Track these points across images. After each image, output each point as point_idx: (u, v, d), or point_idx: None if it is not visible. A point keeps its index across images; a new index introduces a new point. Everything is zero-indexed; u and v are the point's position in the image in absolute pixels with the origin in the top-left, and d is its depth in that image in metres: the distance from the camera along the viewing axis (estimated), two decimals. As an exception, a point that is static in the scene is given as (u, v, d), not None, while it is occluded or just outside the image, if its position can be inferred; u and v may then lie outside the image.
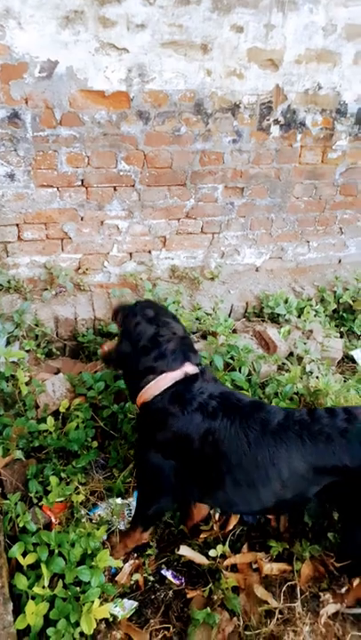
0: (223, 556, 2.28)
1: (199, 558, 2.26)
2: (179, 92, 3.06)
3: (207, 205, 3.56)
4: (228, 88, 3.14)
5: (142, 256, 3.62)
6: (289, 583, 2.21)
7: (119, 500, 2.39)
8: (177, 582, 2.21)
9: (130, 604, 2.10)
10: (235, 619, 2.09)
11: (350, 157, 3.72)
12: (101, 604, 1.92)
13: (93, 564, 2.01)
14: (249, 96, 3.21)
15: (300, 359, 3.15)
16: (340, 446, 1.83)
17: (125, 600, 2.11)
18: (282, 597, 2.16)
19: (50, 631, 1.84)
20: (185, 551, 2.27)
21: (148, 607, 2.14)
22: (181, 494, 2.11)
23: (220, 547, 2.27)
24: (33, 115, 2.87)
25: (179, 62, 2.96)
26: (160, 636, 2.04)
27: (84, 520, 2.28)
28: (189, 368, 2.03)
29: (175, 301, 3.37)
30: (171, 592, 2.18)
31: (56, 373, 2.97)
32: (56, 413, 2.67)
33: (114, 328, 3.20)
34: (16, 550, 2.01)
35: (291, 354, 3.22)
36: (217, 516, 2.42)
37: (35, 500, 2.30)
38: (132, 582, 2.20)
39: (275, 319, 3.56)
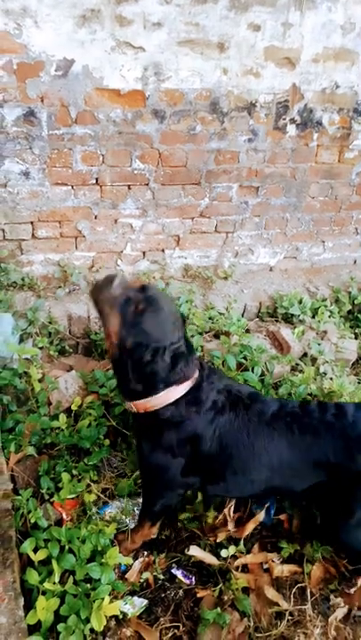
0: (234, 556, 2.27)
1: (209, 558, 2.25)
2: (194, 91, 3.05)
3: (221, 204, 3.55)
4: (245, 87, 3.13)
5: (156, 255, 3.63)
6: (299, 585, 2.20)
7: (129, 500, 2.40)
8: (187, 581, 2.20)
9: (140, 602, 2.10)
10: (245, 619, 2.08)
11: (367, 157, 3.69)
12: (111, 601, 1.93)
13: (103, 561, 2.01)
14: (265, 95, 3.20)
15: (313, 360, 3.12)
16: (325, 440, 1.91)
17: (136, 598, 2.11)
18: (292, 599, 2.15)
19: (60, 627, 1.84)
20: (195, 551, 2.26)
21: (158, 605, 2.13)
22: (185, 486, 2.13)
23: (232, 547, 2.25)
24: (49, 113, 2.89)
25: (195, 61, 2.95)
26: (170, 635, 2.04)
27: (94, 517, 2.29)
28: (195, 373, 1.98)
29: (188, 300, 3.36)
30: (181, 591, 2.18)
31: (69, 371, 2.98)
32: (68, 410, 2.68)
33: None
34: (27, 546, 2.02)
35: (305, 354, 3.20)
36: (232, 514, 2.40)
37: (46, 497, 2.31)
38: (142, 580, 2.20)
39: (289, 319, 3.54)
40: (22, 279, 3.34)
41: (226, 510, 2.41)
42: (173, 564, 2.26)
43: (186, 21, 2.83)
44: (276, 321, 3.56)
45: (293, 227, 3.84)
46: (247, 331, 3.39)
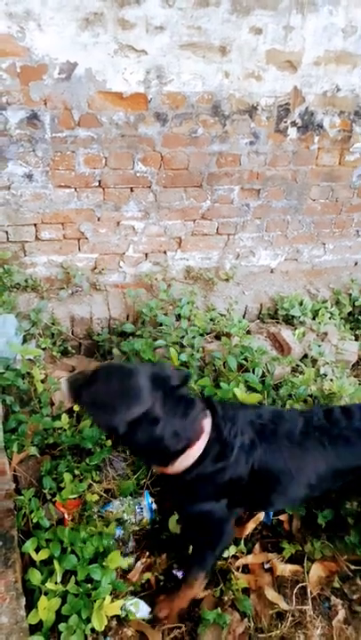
0: (235, 557, 2.28)
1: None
2: (196, 94, 3.07)
3: (223, 207, 3.56)
4: (246, 90, 3.14)
5: (158, 257, 3.64)
6: (300, 585, 2.21)
7: (131, 499, 2.41)
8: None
9: (144, 610, 2.09)
10: (245, 620, 2.09)
11: (368, 160, 3.70)
12: (113, 600, 1.94)
13: (105, 563, 2.02)
14: (267, 98, 3.21)
15: (314, 361, 3.13)
16: (358, 446, 1.94)
17: (142, 603, 2.10)
18: (294, 599, 2.16)
19: (61, 627, 1.86)
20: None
21: (159, 606, 2.14)
22: (233, 517, 2.05)
23: (233, 547, 2.26)
24: (52, 116, 2.91)
25: (197, 64, 2.97)
26: (172, 636, 2.05)
27: (95, 518, 2.29)
28: (206, 422, 1.83)
29: (189, 302, 3.38)
30: (181, 592, 2.19)
31: (71, 371, 3.00)
32: (71, 411, 2.69)
33: (128, 327, 3.23)
34: (29, 546, 2.04)
35: (305, 356, 3.21)
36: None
37: (48, 497, 2.32)
38: (144, 581, 2.20)
39: (289, 321, 3.55)
40: (25, 281, 3.36)
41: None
42: (174, 565, 2.27)
43: (188, 25, 2.84)
44: (277, 322, 3.57)
45: (294, 229, 3.85)
46: (248, 332, 3.40)
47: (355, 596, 2.19)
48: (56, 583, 1.95)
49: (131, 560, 2.22)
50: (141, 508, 2.40)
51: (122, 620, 2.04)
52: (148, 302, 3.30)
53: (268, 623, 2.09)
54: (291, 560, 2.29)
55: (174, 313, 3.33)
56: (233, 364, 2.84)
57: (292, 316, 3.51)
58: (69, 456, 2.51)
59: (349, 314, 3.80)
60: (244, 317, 3.58)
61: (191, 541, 2.17)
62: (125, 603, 2.03)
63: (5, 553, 1.99)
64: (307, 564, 2.26)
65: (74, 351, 3.27)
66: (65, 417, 2.55)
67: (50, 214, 3.23)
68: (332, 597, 2.17)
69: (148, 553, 2.30)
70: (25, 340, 3.05)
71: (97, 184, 3.21)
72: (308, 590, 2.18)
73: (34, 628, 1.87)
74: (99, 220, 3.35)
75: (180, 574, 2.23)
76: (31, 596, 1.96)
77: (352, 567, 2.26)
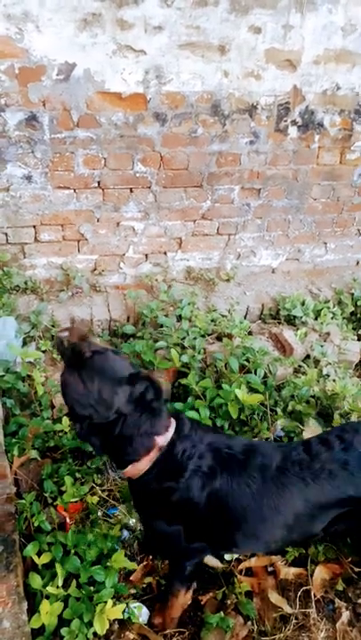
0: (238, 560, 2.26)
1: (213, 562, 2.25)
2: (196, 94, 3.05)
3: (223, 207, 3.55)
4: (246, 89, 3.13)
5: (158, 257, 3.63)
6: (304, 588, 2.19)
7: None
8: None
9: (145, 615, 2.08)
10: (249, 623, 2.07)
11: (369, 158, 3.68)
12: (114, 604, 1.92)
13: (108, 564, 2.01)
14: (266, 97, 3.20)
15: (316, 362, 3.12)
16: (343, 479, 1.77)
17: (144, 607, 2.09)
18: (297, 602, 2.14)
19: (64, 631, 1.84)
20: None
21: (161, 609, 2.13)
22: (195, 552, 1.93)
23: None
24: (50, 117, 2.90)
25: (196, 64, 2.96)
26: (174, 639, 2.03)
27: (99, 521, 2.28)
28: (162, 438, 1.74)
29: (190, 303, 3.36)
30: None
31: (72, 374, 2.98)
32: (71, 413, 2.68)
33: (129, 329, 3.21)
34: (31, 549, 2.02)
35: (307, 356, 3.19)
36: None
37: (49, 500, 2.31)
38: (145, 585, 2.19)
39: (291, 321, 3.53)
40: (25, 283, 3.35)
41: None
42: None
43: (187, 24, 2.83)
44: (279, 323, 3.56)
45: (295, 228, 3.83)
46: (250, 333, 3.38)
47: (359, 599, 2.17)
48: (58, 587, 1.94)
49: (135, 564, 2.21)
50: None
51: (124, 623, 2.02)
52: (148, 303, 3.28)
53: (272, 626, 2.08)
54: (294, 563, 2.28)
55: (175, 314, 3.32)
56: (235, 365, 2.83)
57: (294, 317, 3.49)
58: (70, 459, 2.50)
59: (352, 313, 3.78)
60: (245, 318, 3.56)
61: (168, 559, 2.10)
62: (129, 604, 2.01)
63: (7, 557, 1.97)
64: (310, 566, 2.24)
65: (75, 353, 3.26)
66: (66, 420, 2.53)
67: (49, 216, 3.22)
68: (336, 600, 2.15)
69: (150, 557, 2.28)
70: (25, 343, 3.04)
71: (96, 185, 3.20)
72: (312, 593, 2.16)
73: (36, 633, 1.86)
74: (98, 220, 3.34)
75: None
76: (33, 600, 1.95)
77: (356, 570, 2.24)
